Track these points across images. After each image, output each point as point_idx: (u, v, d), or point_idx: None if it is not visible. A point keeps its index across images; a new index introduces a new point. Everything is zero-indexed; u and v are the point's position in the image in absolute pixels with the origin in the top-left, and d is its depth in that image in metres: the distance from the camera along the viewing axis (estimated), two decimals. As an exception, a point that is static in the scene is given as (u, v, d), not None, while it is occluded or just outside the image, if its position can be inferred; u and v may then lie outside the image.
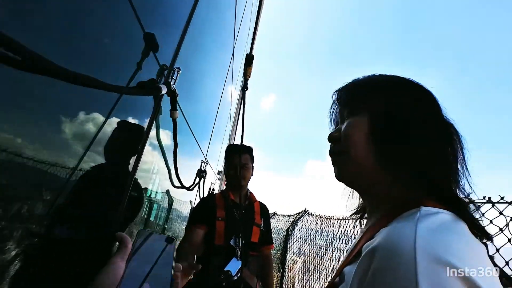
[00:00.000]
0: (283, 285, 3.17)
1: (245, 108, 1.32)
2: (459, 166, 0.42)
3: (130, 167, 0.96)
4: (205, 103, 2.65)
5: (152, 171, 1.45)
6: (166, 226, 2.15)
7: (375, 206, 0.47)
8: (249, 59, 1.24)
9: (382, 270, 0.28)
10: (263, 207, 1.54)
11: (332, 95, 0.56)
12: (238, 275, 1.23)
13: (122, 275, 0.36)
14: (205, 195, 2.64)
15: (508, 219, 0.77)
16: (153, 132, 1.19)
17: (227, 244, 1.30)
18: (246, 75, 1.27)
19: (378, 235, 0.35)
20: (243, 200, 1.44)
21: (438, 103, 0.45)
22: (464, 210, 0.37)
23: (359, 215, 0.56)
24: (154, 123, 1.09)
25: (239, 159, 1.41)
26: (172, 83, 0.95)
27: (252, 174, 1.53)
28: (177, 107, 1.10)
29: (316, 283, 2.82)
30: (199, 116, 2.51)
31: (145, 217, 1.60)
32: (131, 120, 0.94)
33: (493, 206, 0.82)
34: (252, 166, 1.53)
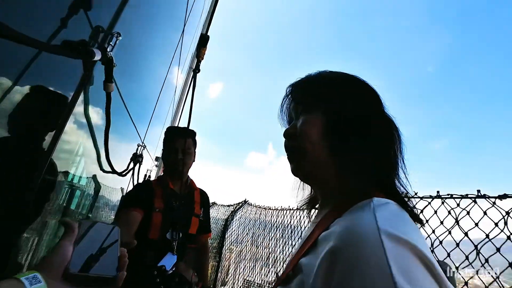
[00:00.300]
0: (219, 274, 3.19)
1: (194, 91, 1.23)
2: (398, 160, 0.46)
3: (46, 144, 0.79)
4: (146, 82, 2.40)
5: (76, 152, 1.25)
6: (90, 215, 1.91)
7: (327, 198, 0.49)
8: (204, 39, 1.15)
9: (353, 266, 0.27)
10: (203, 195, 1.47)
11: (286, 89, 0.57)
12: (173, 269, 1.16)
13: (70, 257, 0.38)
14: (139, 182, 2.42)
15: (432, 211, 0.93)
16: (79, 109, 1.00)
17: (163, 237, 1.20)
18: (200, 56, 1.18)
19: (334, 226, 0.36)
20: (183, 189, 1.32)
21: (381, 100, 0.49)
22: (403, 200, 0.41)
23: (310, 206, 0.58)
24: (82, 95, 0.92)
25: (181, 143, 1.27)
26: (109, 50, 0.81)
27: (194, 161, 1.42)
28: (113, 79, 0.95)
29: (252, 270, 2.93)
30: (139, 95, 2.26)
31: (64, 205, 1.38)
32: (51, 88, 0.77)
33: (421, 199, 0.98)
34: (195, 152, 1.41)
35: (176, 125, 4.61)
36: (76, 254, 0.39)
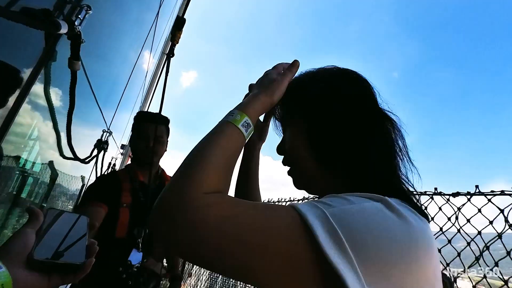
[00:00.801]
0: (186, 265, 3.15)
1: (167, 76, 1.17)
2: (397, 157, 0.43)
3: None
4: (115, 64, 2.24)
5: (29, 135, 1.13)
6: (44, 205, 1.75)
7: None
8: (180, 22, 1.09)
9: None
10: None
11: None
12: (139, 264, 1.11)
13: (32, 245, 0.37)
14: (103, 170, 2.27)
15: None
16: (38, 87, 0.90)
17: (130, 235, 1.12)
18: (175, 40, 1.12)
19: None
20: (153, 180, 1.24)
21: (371, 97, 0.46)
22: (407, 197, 0.40)
23: None
24: (43, 72, 0.83)
25: (153, 130, 1.13)
26: (77, 23, 0.73)
27: (166, 150, 1.32)
28: (80, 57, 0.86)
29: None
30: (106, 78, 2.10)
31: (14, 193, 1.25)
32: (4, 60, 0.67)
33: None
34: (167, 141, 1.32)
35: (146, 110, 4.37)
36: (42, 241, 0.39)
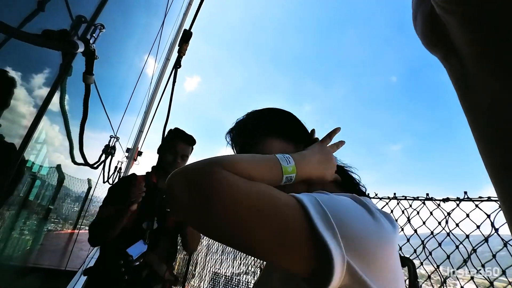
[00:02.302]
0: (190, 266, 3.19)
1: (174, 87, 1.23)
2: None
3: (21, 137, 0.76)
4: (122, 73, 2.31)
5: (41, 141, 1.19)
6: (51, 206, 1.81)
7: None
8: (187, 35, 1.15)
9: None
10: None
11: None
12: (141, 260, 1.17)
13: None
14: (110, 173, 2.34)
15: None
16: (55, 99, 0.96)
17: (138, 227, 1.22)
18: (181, 52, 1.18)
19: None
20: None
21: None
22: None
23: None
24: (59, 86, 0.89)
25: (183, 149, 1.36)
26: (92, 42, 0.79)
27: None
28: (93, 72, 0.93)
29: (221, 263, 2.97)
30: (114, 86, 2.18)
31: (22, 195, 1.31)
32: (28, 79, 0.74)
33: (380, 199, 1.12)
34: (188, 159, 1.49)
35: (150, 117, 4.46)
36: None
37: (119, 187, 1.31)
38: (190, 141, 1.39)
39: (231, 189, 0.34)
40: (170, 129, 1.46)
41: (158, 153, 1.41)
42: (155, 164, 1.44)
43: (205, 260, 3.27)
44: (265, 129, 0.59)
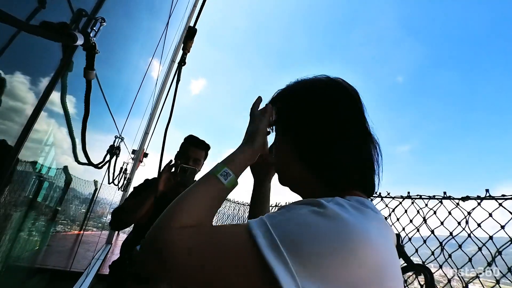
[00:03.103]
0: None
1: (178, 85, 1.21)
2: (374, 165, 0.50)
3: (17, 134, 0.74)
4: (127, 72, 2.31)
5: (46, 141, 1.18)
6: (59, 208, 1.81)
7: None
8: (191, 32, 1.13)
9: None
10: None
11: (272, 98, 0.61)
12: None
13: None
14: (115, 175, 2.34)
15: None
16: (55, 96, 0.94)
17: (151, 224, 1.26)
18: (186, 49, 1.16)
19: None
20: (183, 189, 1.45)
21: (357, 109, 0.51)
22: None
23: None
24: (60, 81, 0.87)
25: (195, 153, 1.46)
26: (92, 35, 0.77)
27: (200, 170, 1.57)
28: (94, 67, 0.91)
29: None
30: (118, 86, 2.17)
31: (31, 197, 1.30)
32: (26, 72, 0.72)
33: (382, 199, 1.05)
34: (203, 163, 1.58)
35: (155, 118, 4.47)
36: None
37: (145, 186, 1.47)
38: (201, 145, 1.51)
39: (180, 250, 0.37)
40: (185, 136, 1.59)
41: (175, 159, 1.53)
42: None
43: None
44: (283, 128, 0.56)
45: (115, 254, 4.08)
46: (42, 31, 0.59)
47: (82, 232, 2.51)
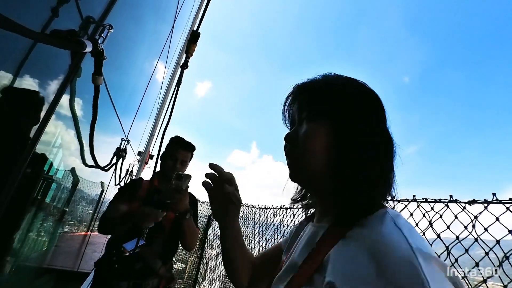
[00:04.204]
0: (200, 270, 3.17)
1: (179, 88, 1.22)
2: (393, 173, 0.46)
3: (29, 137, 0.76)
4: (133, 75, 2.34)
5: (54, 144, 1.20)
6: (66, 209, 1.84)
7: (326, 207, 0.50)
8: (195, 35, 1.15)
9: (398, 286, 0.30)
10: (191, 198, 1.55)
11: (292, 89, 0.54)
12: (135, 251, 1.23)
13: None
14: (122, 176, 2.37)
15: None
16: (64, 100, 0.96)
17: (138, 224, 1.29)
18: (189, 52, 1.18)
19: (350, 246, 0.37)
20: (168, 190, 1.44)
21: (386, 115, 0.48)
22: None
23: (304, 205, 0.59)
24: (69, 86, 0.89)
25: (181, 155, 1.46)
26: (100, 42, 0.79)
27: (185, 171, 1.57)
28: (102, 73, 0.93)
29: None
30: (124, 89, 2.20)
31: (39, 198, 1.33)
32: (36, 79, 0.74)
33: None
34: (188, 163, 1.57)
35: (160, 120, 4.52)
36: None
37: (128, 188, 1.45)
38: (188, 147, 1.51)
39: None
40: (171, 137, 1.57)
41: (160, 159, 1.52)
42: (158, 170, 1.54)
43: (216, 263, 3.24)
44: (319, 114, 0.48)
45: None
46: (52, 40, 0.61)
47: (89, 233, 2.54)
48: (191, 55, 1.29)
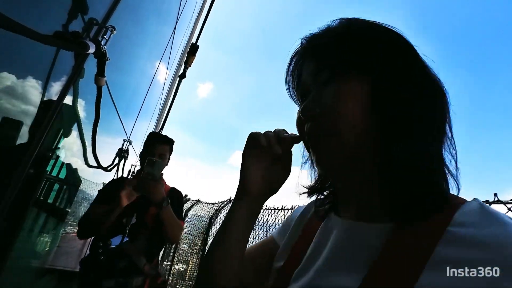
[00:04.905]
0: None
1: (176, 96, 1.26)
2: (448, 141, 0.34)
3: (32, 138, 0.77)
4: (135, 77, 2.36)
5: (56, 145, 1.22)
6: (68, 209, 1.85)
7: (369, 196, 0.35)
8: (194, 48, 1.18)
9: None
10: (173, 191, 1.54)
11: (301, 45, 0.40)
12: (119, 246, 1.24)
13: None
14: (115, 178, 2.39)
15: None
16: (68, 101, 0.97)
17: (120, 222, 1.29)
18: (188, 63, 1.21)
19: (471, 245, 0.25)
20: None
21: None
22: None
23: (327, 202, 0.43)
24: (71, 87, 0.90)
25: (159, 149, 1.43)
26: (103, 43, 0.80)
27: (167, 165, 1.55)
28: (105, 74, 0.94)
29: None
30: (127, 90, 2.22)
31: (41, 198, 1.34)
32: (40, 79, 0.75)
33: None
34: (169, 158, 1.54)
35: (161, 122, 4.53)
36: None
37: (109, 189, 1.40)
38: (165, 140, 1.48)
39: None
40: (148, 134, 1.57)
41: (140, 159, 1.51)
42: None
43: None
44: (348, 70, 0.34)
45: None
46: (56, 41, 0.62)
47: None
48: (190, 66, 1.33)
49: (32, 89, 0.74)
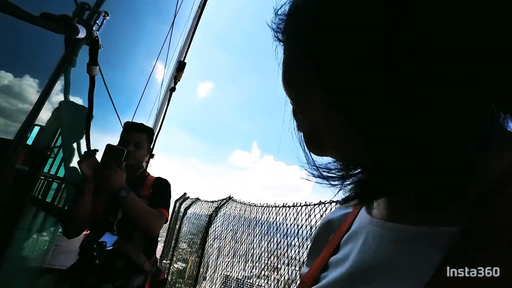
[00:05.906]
0: (201, 269, 3.14)
1: (167, 109, 1.24)
2: None
3: (17, 131, 0.73)
4: (132, 74, 2.32)
5: (55, 142, 1.19)
6: (67, 208, 1.82)
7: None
8: (181, 65, 1.17)
9: None
10: (157, 180, 1.44)
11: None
12: (114, 247, 1.17)
13: None
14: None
15: None
16: (58, 92, 0.94)
17: (106, 219, 1.22)
18: (177, 78, 1.20)
19: None
20: (132, 178, 1.33)
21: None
22: None
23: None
24: (62, 77, 0.87)
25: (134, 137, 1.33)
26: (95, 29, 0.76)
27: (147, 154, 1.45)
28: (98, 63, 0.90)
29: (233, 266, 2.93)
30: (124, 87, 2.18)
31: (39, 197, 1.31)
32: (27, 66, 0.71)
33: None
34: (148, 146, 1.45)
35: (160, 121, 4.49)
36: None
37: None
38: (140, 128, 1.39)
39: None
40: (124, 123, 1.48)
41: None
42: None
43: (216, 263, 3.22)
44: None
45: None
46: (44, 22, 0.58)
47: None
48: (179, 81, 1.33)
49: (19, 79, 0.71)
